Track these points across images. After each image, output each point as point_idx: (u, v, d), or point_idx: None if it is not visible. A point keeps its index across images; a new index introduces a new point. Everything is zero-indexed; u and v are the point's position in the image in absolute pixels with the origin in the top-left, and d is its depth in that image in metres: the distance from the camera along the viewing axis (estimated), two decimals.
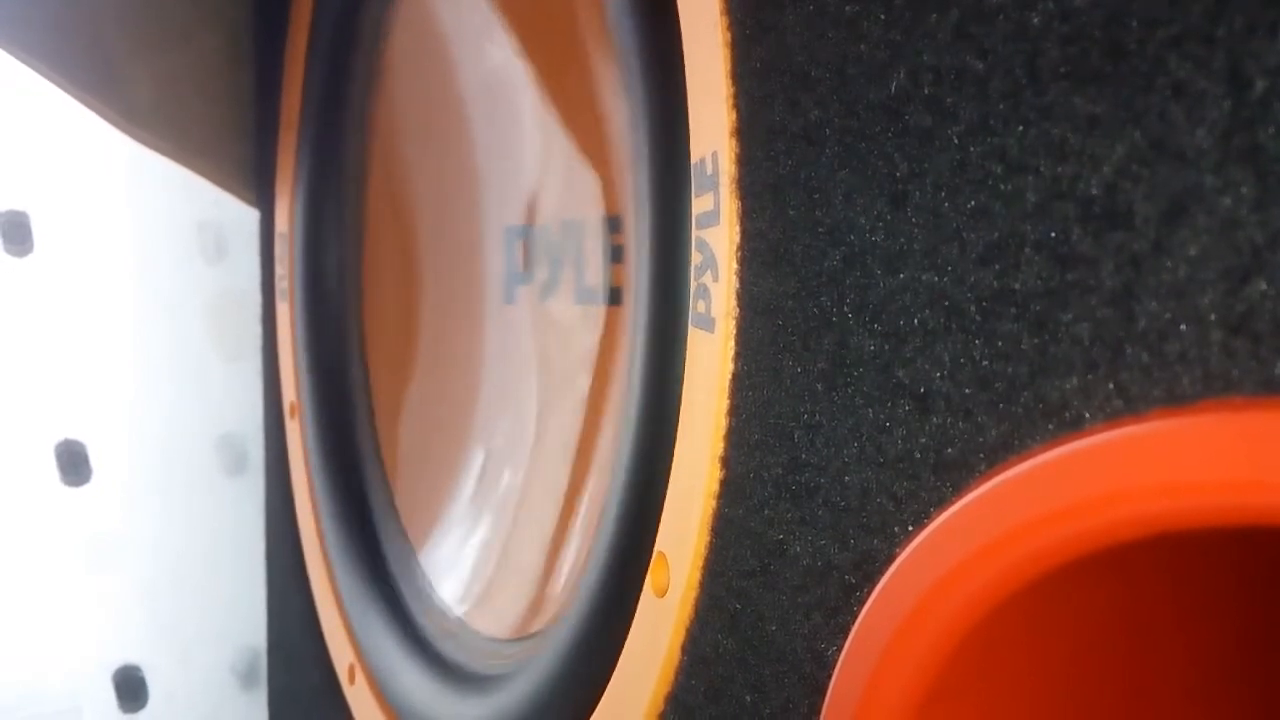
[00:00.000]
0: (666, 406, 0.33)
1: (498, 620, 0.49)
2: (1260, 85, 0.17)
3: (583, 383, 0.44)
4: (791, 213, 0.28)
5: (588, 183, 0.43)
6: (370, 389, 0.63)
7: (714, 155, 0.30)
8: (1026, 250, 0.21)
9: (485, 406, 0.52)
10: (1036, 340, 0.21)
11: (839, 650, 0.26)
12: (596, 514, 0.36)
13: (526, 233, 0.48)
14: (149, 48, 0.63)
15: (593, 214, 0.43)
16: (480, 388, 0.53)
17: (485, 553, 0.52)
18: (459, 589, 0.53)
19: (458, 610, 0.53)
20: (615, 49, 0.35)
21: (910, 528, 0.24)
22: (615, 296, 0.42)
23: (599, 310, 0.43)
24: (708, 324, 0.31)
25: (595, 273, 0.43)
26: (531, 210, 0.48)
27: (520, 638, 0.47)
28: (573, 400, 0.45)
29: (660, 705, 0.33)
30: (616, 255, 0.42)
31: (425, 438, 0.59)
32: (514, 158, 0.49)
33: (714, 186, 0.30)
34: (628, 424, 0.34)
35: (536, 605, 0.46)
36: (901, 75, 0.24)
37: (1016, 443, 0.22)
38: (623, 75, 0.34)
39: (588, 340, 0.44)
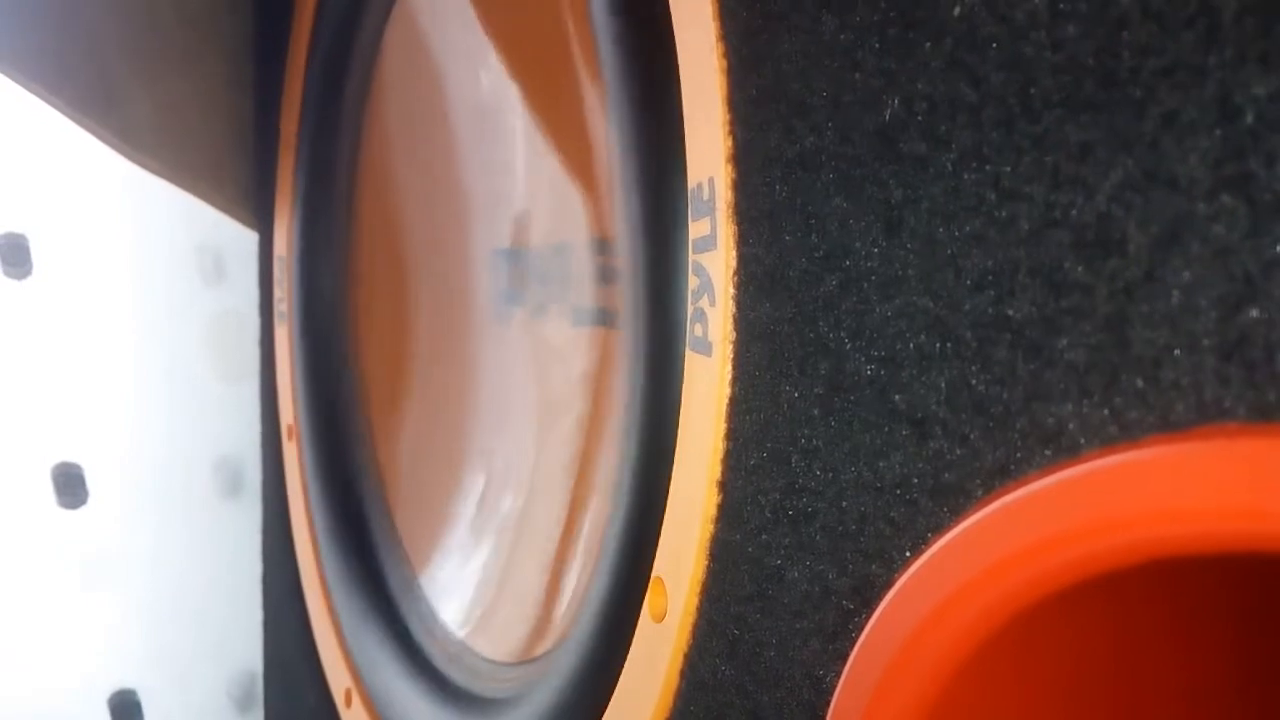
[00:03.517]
0: (663, 430, 0.33)
1: (500, 643, 0.49)
2: (1250, 114, 0.17)
3: (579, 405, 0.44)
4: (788, 238, 0.28)
5: (578, 205, 0.44)
6: (367, 411, 0.63)
7: (710, 181, 0.30)
8: (1021, 277, 0.22)
9: (483, 429, 0.52)
10: (1031, 366, 0.21)
11: (837, 676, 0.26)
12: (597, 537, 0.36)
13: (517, 254, 0.48)
14: (149, 71, 0.64)
15: (582, 236, 0.43)
16: (477, 410, 0.53)
17: (487, 576, 0.51)
18: (461, 612, 0.53)
19: (460, 633, 0.53)
20: (609, 74, 0.35)
21: (908, 553, 0.24)
22: (605, 318, 0.42)
23: (589, 332, 0.43)
24: (705, 348, 0.31)
25: (585, 295, 0.43)
26: (522, 232, 0.48)
27: (523, 661, 0.46)
28: (571, 420, 0.45)
29: None
30: (606, 278, 0.42)
31: (423, 460, 0.59)
32: (505, 180, 0.50)
33: (710, 212, 0.30)
34: (624, 447, 0.34)
35: (540, 629, 0.46)
36: (896, 103, 0.24)
37: (1013, 468, 0.22)
38: (617, 99, 0.34)
39: (580, 362, 0.44)
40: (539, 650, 0.45)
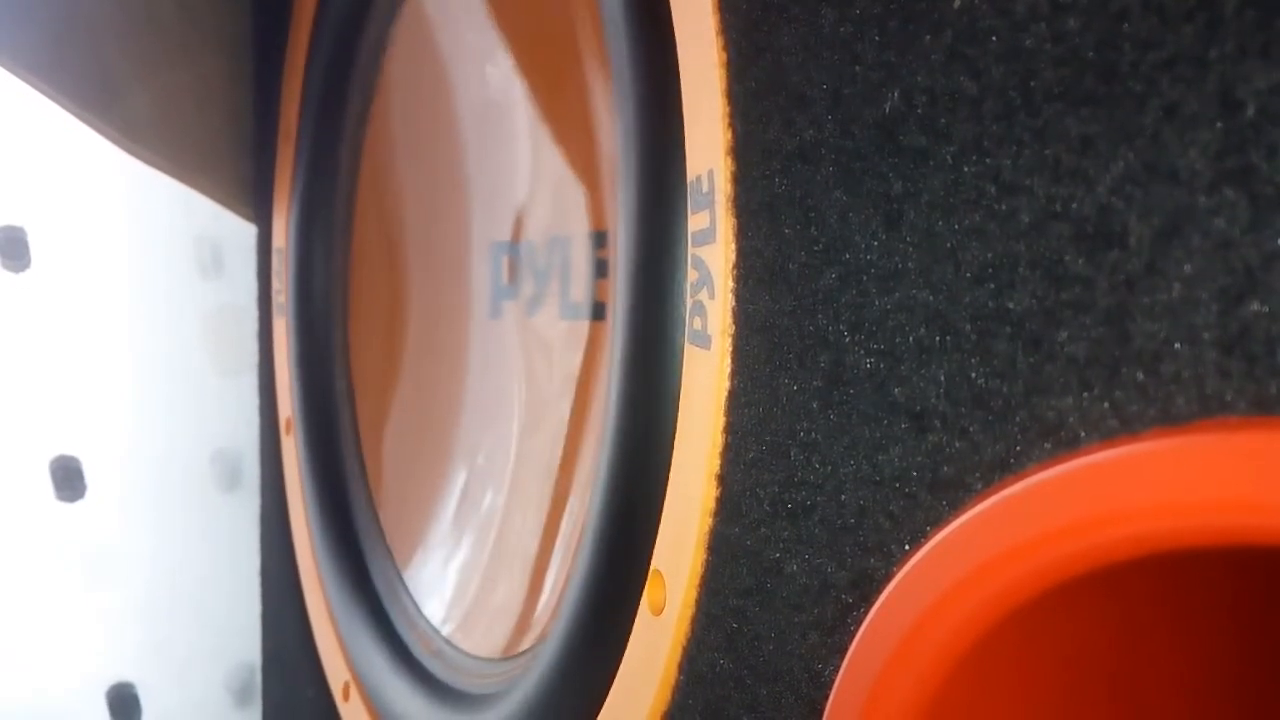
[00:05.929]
0: (655, 422, 0.33)
1: (484, 639, 0.49)
2: (1252, 107, 0.17)
3: (567, 399, 0.44)
4: (787, 231, 0.28)
5: (575, 198, 0.44)
6: (359, 406, 0.63)
7: (710, 173, 0.30)
8: (1021, 269, 0.21)
9: (468, 424, 0.52)
10: (1032, 359, 0.21)
11: (836, 670, 0.26)
12: (582, 531, 0.36)
13: (513, 248, 0.48)
14: (148, 64, 0.63)
15: (579, 229, 0.43)
16: (464, 405, 0.53)
17: (470, 571, 0.51)
18: (445, 608, 0.53)
19: (444, 629, 0.53)
20: (610, 67, 0.35)
21: (907, 547, 0.24)
22: (599, 311, 0.42)
23: (583, 325, 0.43)
24: (704, 341, 0.31)
25: (581, 288, 0.43)
26: (519, 225, 0.48)
27: (508, 657, 0.46)
28: (557, 416, 0.45)
29: None
30: (601, 270, 0.42)
31: (410, 455, 0.59)
32: (503, 174, 0.50)
33: (710, 204, 0.30)
34: (618, 440, 0.34)
35: (524, 624, 0.46)
36: (896, 96, 0.24)
37: (1013, 462, 0.22)
38: (616, 92, 0.34)
39: (572, 356, 0.44)
40: (525, 645, 0.45)
